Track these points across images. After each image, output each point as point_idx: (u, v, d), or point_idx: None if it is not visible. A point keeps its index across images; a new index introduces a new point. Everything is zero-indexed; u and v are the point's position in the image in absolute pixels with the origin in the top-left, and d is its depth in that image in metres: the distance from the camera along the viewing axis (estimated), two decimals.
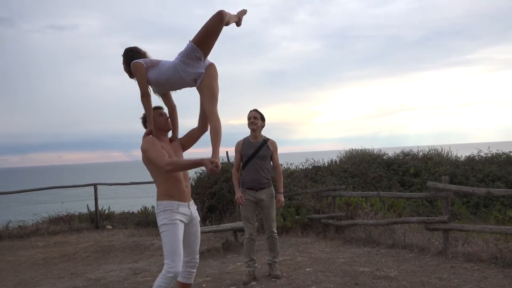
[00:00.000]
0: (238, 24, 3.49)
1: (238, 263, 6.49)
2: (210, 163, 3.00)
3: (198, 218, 3.59)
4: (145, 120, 3.52)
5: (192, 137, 3.64)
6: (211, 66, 3.26)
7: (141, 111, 3.47)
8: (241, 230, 7.51)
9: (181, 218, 3.35)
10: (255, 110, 5.55)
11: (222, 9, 3.16)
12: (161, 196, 3.38)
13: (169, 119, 3.54)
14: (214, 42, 3.22)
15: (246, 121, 5.54)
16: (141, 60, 3.33)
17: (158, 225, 3.35)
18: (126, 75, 3.46)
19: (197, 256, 3.60)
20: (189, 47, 3.16)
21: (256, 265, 5.59)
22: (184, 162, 3.33)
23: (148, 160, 3.37)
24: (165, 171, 3.28)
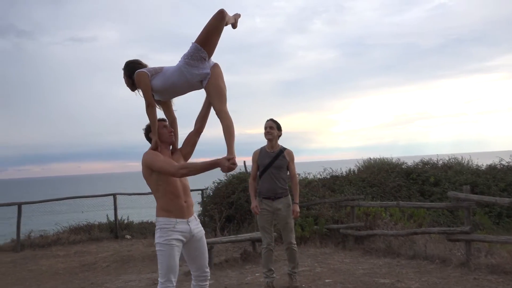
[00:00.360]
0: (234, 26, 3.44)
1: (256, 274, 6.47)
2: (227, 160, 2.93)
3: (202, 232, 3.45)
4: (147, 132, 3.48)
5: (190, 142, 3.54)
6: (216, 66, 3.22)
7: (147, 122, 3.40)
8: (259, 240, 7.48)
9: (178, 237, 3.26)
10: (271, 120, 5.56)
11: (222, 8, 3.17)
12: (159, 211, 3.33)
13: (172, 132, 3.48)
14: (217, 41, 3.18)
15: (262, 130, 5.55)
16: (144, 69, 3.29)
17: (155, 242, 3.29)
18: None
19: (207, 269, 3.46)
20: (193, 48, 3.12)
21: (274, 275, 5.56)
22: (199, 164, 3.20)
23: (150, 173, 3.30)
24: (179, 176, 3.21)
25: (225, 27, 3.21)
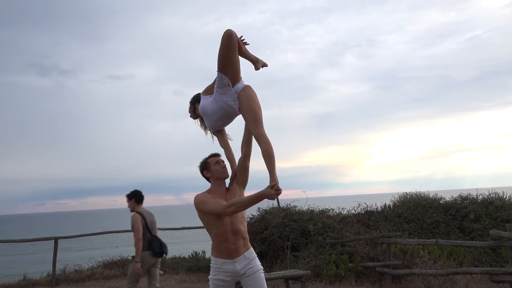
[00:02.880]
0: (256, 67, 3.49)
1: None
2: (270, 188, 2.90)
3: (254, 269, 3.41)
4: (203, 169, 3.52)
5: (242, 168, 3.51)
6: (247, 88, 3.22)
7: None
8: (293, 278, 7.32)
9: (223, 277, 3.39)
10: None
11: (228, 29, 3.11)
12: (212, 251, 3.48)
13: (225, 167, 3.49)
14: (236, 62, 3.16)
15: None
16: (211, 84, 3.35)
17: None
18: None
19: None
20: (217, 77, 3.18)
21: None
22: (245, 199, 3.24)
23: (204, 215, 3.38)
24: (228, 214, 3.25)
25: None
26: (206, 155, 3.59)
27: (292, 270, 7.84)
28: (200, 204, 3.38)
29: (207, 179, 3.54)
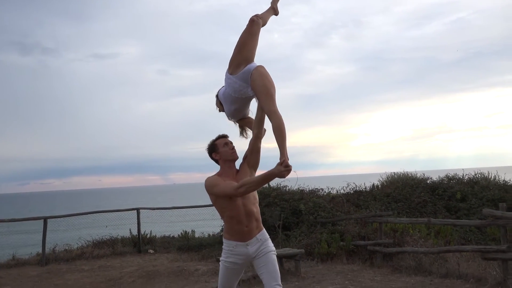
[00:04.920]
0: (276, 13, 3.55)
1: None
2: (280, 165, 2.84)
3: (266, 251, 3.36)
4: (211, 151, 3.46)
5: (254, 149, 3.45)
6: (259, 67, 3.21)
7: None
8: (286, 256, 7.38)
9: (234, 260, 3.38)
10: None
11: (254, 15, 3.30)
12: (224, 233, 3.47)
13: (234, 148, 3.44)
14: (252, 48, 3.29)
15: None
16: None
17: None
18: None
19: (274, 283, 3.28)
20: (230, 59, 3.28)
21: None
22: (255, 178, 3.18)
23: (217, 198, 3.35)
24: (239, 195, 3.20)
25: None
26: (214, 137, 3.51)
27: (286, 248, 7.90)
28: (211, 187, 3.33)
29: (216, 161, 3.48)
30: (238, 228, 3.34)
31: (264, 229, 3.48)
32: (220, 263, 3.46)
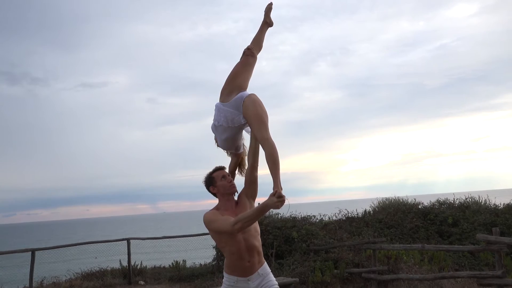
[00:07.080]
0: (270, 25, 3.55)
1: None
2: (273, 196, 2.80)
3: (268, 285, 3.30)
4: (208, 184, 3.38)
5: (250, 180, 3.39)
6: (251, 95, 3.22)
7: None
8: (282, 286, 7.26)
9: None
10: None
11: (247, 49, 3.37)
12: (225, 267, 3.38)
13: (232, 181, 3.36)
14: (245, 78, 3.35)
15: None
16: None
17: None
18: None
19: None
20: (222, 88, 3.31)
21: None
22: (249, 213, 3.10)
23: (215, 234, 3.29)
24: (236, 231, 3.10)
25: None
26: (210, 169, 3.43)
27: (280, 278, 7.78)
28: (209, 223, 3.25)
29: (214, 195, 3.40)
30: (239, 263, 3.25)
31: (265, 262, 3.40)
32: None
